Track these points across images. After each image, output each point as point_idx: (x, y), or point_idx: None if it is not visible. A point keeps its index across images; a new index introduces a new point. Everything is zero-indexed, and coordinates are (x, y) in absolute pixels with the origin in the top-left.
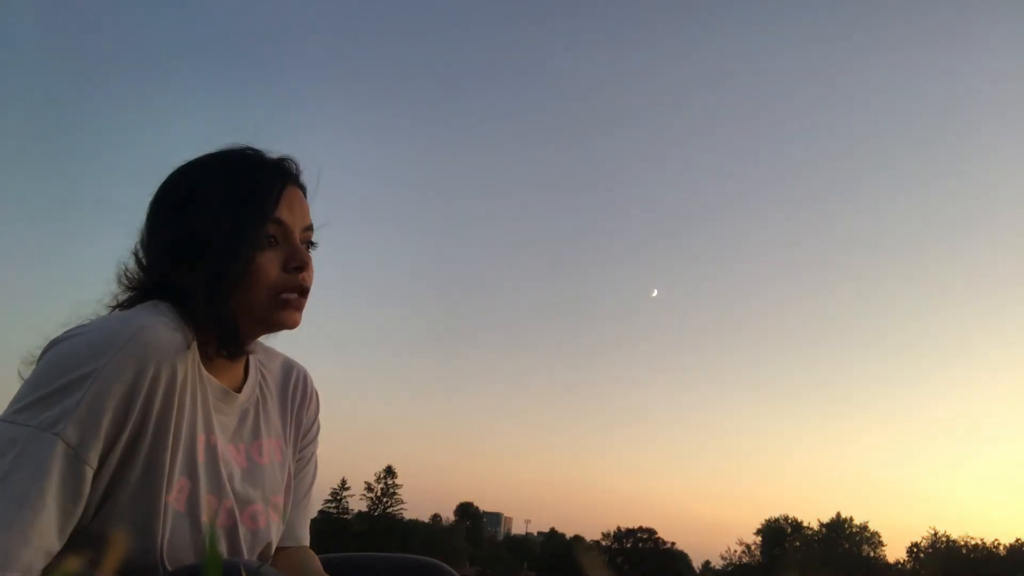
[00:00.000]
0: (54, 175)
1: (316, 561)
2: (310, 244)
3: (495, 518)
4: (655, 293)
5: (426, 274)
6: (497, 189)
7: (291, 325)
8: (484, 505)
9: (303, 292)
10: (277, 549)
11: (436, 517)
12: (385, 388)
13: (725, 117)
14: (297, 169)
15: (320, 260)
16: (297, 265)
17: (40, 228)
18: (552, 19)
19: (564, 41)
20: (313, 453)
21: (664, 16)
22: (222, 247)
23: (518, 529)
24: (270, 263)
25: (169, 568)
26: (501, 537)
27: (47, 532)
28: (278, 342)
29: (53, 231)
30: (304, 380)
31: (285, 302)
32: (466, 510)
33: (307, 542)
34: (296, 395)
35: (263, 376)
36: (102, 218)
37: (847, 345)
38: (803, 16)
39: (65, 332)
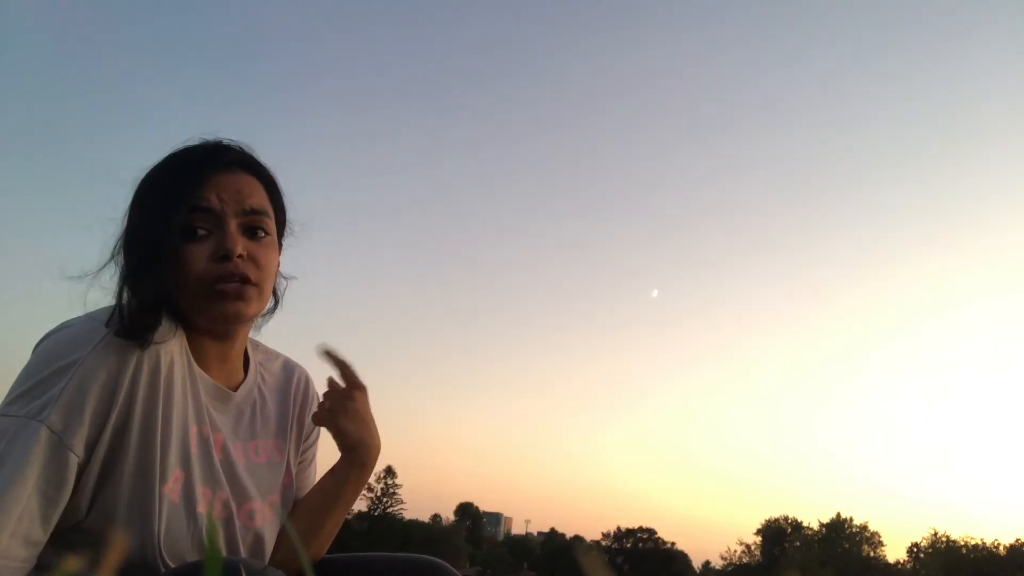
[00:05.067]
0: (56, 174)
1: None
2: (257, 229)
3: (495, 518)
4: (655, 293)
5: (425, 273)
6: (496, 189)
7: (232, 317)
8: (484, 505)
9: (242, 280)
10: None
11: (436, 517)
12: (384, 387)
13: (727, 117)
14: (236, 153)
15: (317, 257)
16: (222, 254)
17: (46, 223)
18: (556, 18)
19: (566, 41)
20: (314, 455)
21: (669, 19)
22: (139, 242)
23: (518, 529)
24: (197, 255)
25: (167, 559)
26: (501, 537)
27: (26, 519)
28: (281, 342)
29: (60, 226)
30: (306, 383)
31: (221, 293)
32: (466, 510)
33: None
34: (298, 398)
35: (262, 377)
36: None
37: (849, 346)
38: (805, 21)
39: (57, 325)
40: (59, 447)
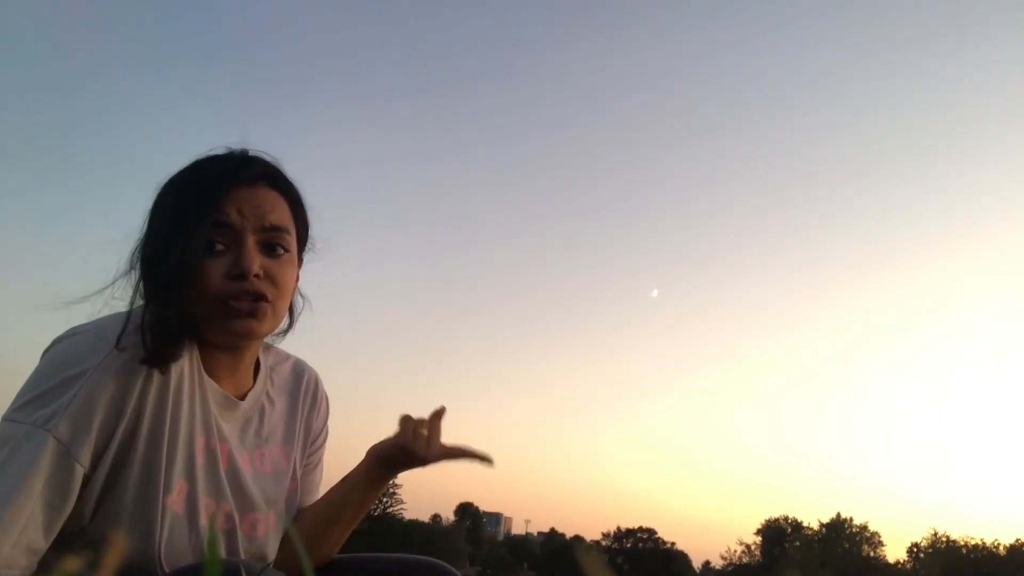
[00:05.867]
0: (64, 177)
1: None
2: (276, 246)
3: (495, 518)
4: (655, 293)
5: (425, 273)
6: (495, 189)
7: (245, 334)
8: (484, 505)
9: (256, 298)
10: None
11: (436, 517)
12: (384, 386)
13: (727, 117)
14: (259, 167)
15: (321, 260)
16: (238, 272)
17: (54, 227)
18: (556, 20)
19: (567, 42)
20: (321, 457)
21: (670, 19)
22: (162, 258)
23: (518, 529)
24: (214, 270)
25: (167, 569)
26: (501, 537)
27: (30, 528)
28: (284, 341)
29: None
30: (315, 385)
31: (235, 311)
32: (466, 510)
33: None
34: (307, 400)
35: (272, 381)
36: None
37: (849, 346)
38: (805, 21)
39: (66, 332)
40: (65, 457)
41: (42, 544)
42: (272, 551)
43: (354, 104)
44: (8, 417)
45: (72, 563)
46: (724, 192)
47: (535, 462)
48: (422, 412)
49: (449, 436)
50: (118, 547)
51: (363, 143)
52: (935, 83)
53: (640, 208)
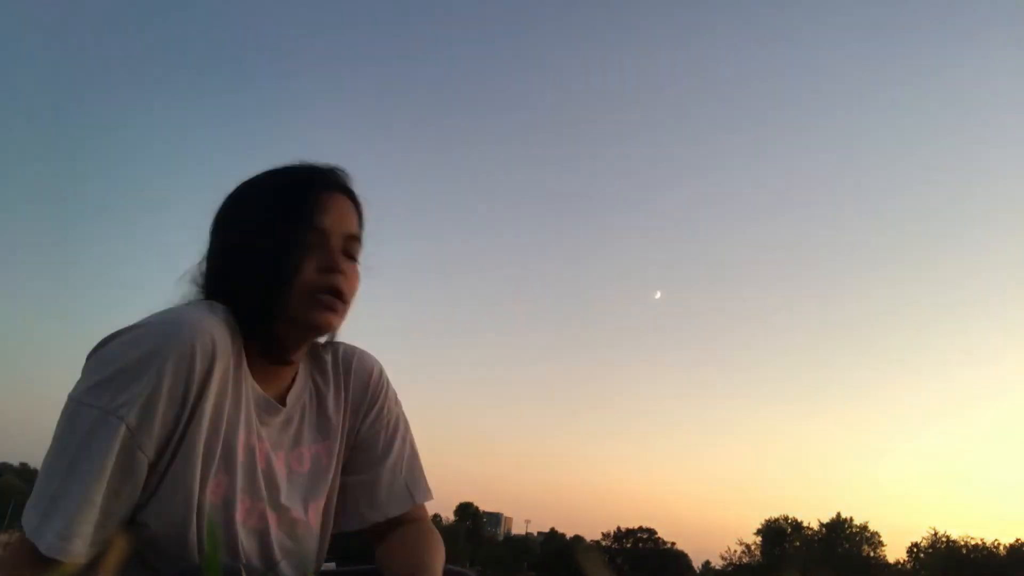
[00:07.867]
0: (83, 183)
1: (425, 541)
2: (353, 255)
3: (495, 518)
4: (658, 295)
5: (425, 274)
6: (500, 193)
7: (324, 325)
8: (484, 505)
9: (338, 294)
10: (392, 523)
11: (436, 517)
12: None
13: (728, 118)
14: (343, 179)
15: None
16: (328, 266)
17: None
18: (565, 25)
19: (574, 47)
20: (388, 421)
21: (679, 25)
22: (264, 254)
23: (518, 529)
24: (307, 267)
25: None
26: (501, 537)
27: (102, 515)
28: None
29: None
30: (348, 359)
31: (319, 302)
32: (466, 510)
33: (418, 501)
34: (342, 379)
35: (314, 374)
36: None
37: (849, 346)
38: (807, 23)
39: (130, 324)
40: (133, 446)
41: (110, 532)
42: (312, 549)
43: (357, 107)
44: (79, 399)
45: (119, 550)
46: (726, 194)
47: (535, 462)
48: (422, 417)
49: (450, 437)
50: (119, 548)
51: (365, 144)
52: (937, 82)
53: (643, 211)
